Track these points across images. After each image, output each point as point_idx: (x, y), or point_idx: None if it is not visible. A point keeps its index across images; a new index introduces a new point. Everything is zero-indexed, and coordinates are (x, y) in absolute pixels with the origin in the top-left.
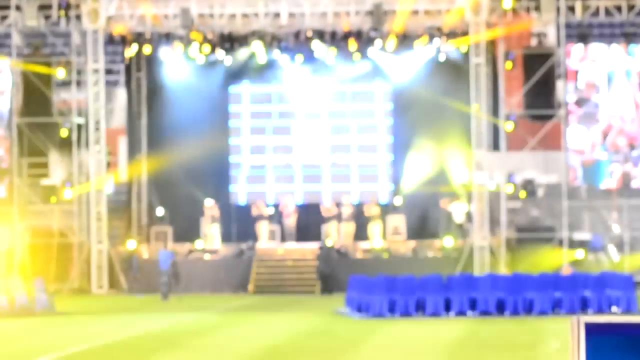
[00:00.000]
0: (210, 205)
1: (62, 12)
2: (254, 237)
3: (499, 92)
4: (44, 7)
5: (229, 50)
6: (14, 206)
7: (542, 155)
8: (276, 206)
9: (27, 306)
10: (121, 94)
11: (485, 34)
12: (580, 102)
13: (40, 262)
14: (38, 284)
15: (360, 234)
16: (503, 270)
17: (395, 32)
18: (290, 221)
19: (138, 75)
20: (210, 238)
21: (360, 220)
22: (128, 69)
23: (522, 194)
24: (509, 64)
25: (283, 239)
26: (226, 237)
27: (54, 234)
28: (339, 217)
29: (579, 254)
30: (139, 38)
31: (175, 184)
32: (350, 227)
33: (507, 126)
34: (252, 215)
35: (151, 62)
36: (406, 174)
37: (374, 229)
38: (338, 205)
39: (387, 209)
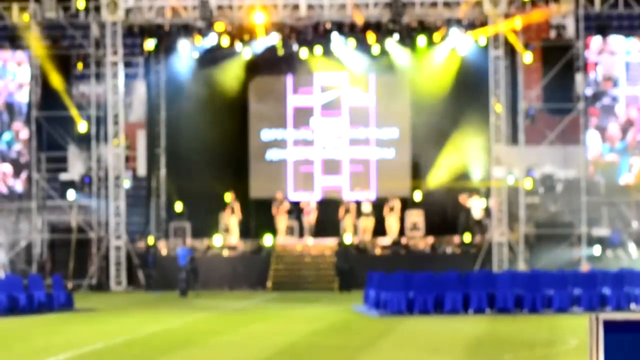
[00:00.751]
0: (229, 199)
1: (84, 1)
2: (273, 232)
3: (517, 85)
4: None
5: (248, 42)
6: (33, 201)
7: (561, 150)
8: (296, 203)
9: (45, 302)
10: (140, 87)
11: (504, 24)
12: (599, 95)
13: (58, 258)
14: (56, 280)
15: (380, 229)
16: (522, 266)
17: (414, 24)
18: (311, 218)
19: (157, 68)
20: (230, 232)
21: (380, 216)
22: (147, 62)
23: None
24: (527, 57)
25: (301, 234)
26: (244, 232)
27: (73, 230)
28: (358, 213)
29: (598, 250)
30: (158, 30)
31: (194, 179)
32: (369, 223)
33: (526, 120)
34: (272, 211)
35: (170, 54)
36: (425, 169)
37: (393, 224)
38: (357, 201)
39: (405, 205)
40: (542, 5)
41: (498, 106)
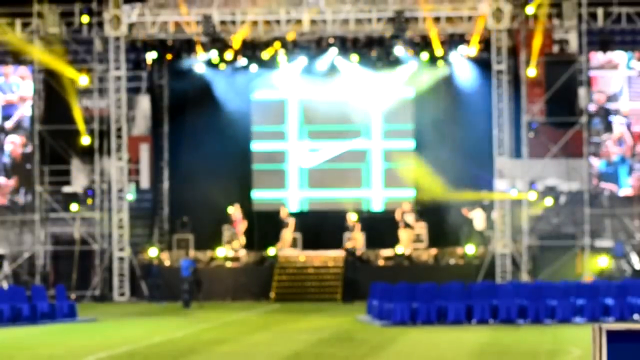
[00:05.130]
0: (232, 212)
1: (87, 17)
2: (276, 244)
3: (521, 99)
4: (66, 15)
5: (251, 57)
6: (36, 213)
7: (564, 163)
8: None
9: (48, 313)
10: (143, 101)
11: (507, 40)
12: (601, 109)
13: (61, 269)
14: (59, 291)
15: (386, 241)
16: (525, 277)
17: (417, 39)
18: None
19: (160, 82)
20: (236, 245)
21: (385, 227)
22: (150, 76)
23: (545, 201)
24: (530, 71)
25: (305, 246)
26: (248, 244)
27: (76, 242)
28: (363, 224)
29: (601, 261)
30: (161, 45)
31: (198, 192)
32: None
33: (529, 133)
34: (280, 220)
35: (173, 68)
36: (428, 181)
37: (402, 235)
38: (362, 212)
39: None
40: (545, 20)
41: (501, 119)
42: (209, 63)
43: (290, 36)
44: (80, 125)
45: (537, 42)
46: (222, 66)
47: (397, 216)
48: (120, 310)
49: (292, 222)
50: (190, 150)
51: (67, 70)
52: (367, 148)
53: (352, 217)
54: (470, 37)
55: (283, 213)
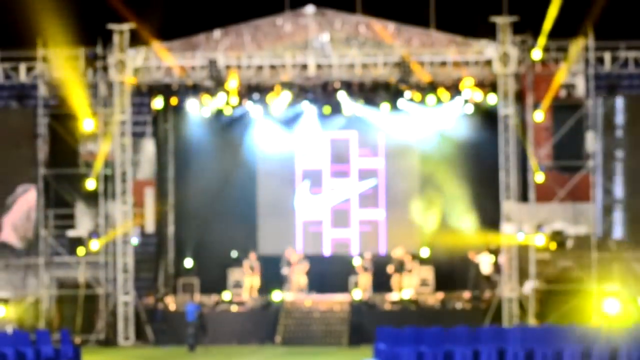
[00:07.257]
0: (289, 255)
1: (92, 63)
2: (281, 287)
3: (528, 144)
4: (71, 59)
5: (257, 101)
6: (40, 257)
7: (571, 207)
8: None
9: (53, 357)
10: (148, 145)
11: (514, 85)
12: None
13: (66, 313)
14: (64, 336)
15: (392, 284)
16: (532, 321)
17: (423, 83)
18: (299, 270)
19: (165, 126)
20: (245, 290)
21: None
22: (155, 121)
23: (552, 245)
24: (537, 116)
25: (311, 290)
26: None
27: (80, 286)
28: (367, 269)
29: (609, 305)
30: (166, 89)
31: (203, 235)
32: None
33: (537, 177)
34: (286, 263)
35: (178, 113)
36: (433, 225)
37: (406, 280)
38: (367, 257)
39: (415, 260)
40: (552, 64)
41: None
42: (215, 107)
43: (296, 80)
44: (96, 168)
45: (555, 83)
46: (228, 110)
47: (397, 261)
48: (125, 354)
49: (302, 266)
50: (196, 194)
51: (72, 114)
52: (373, 192)
53: (356, 261)
54: (477, 81)
55: (292, 257)
